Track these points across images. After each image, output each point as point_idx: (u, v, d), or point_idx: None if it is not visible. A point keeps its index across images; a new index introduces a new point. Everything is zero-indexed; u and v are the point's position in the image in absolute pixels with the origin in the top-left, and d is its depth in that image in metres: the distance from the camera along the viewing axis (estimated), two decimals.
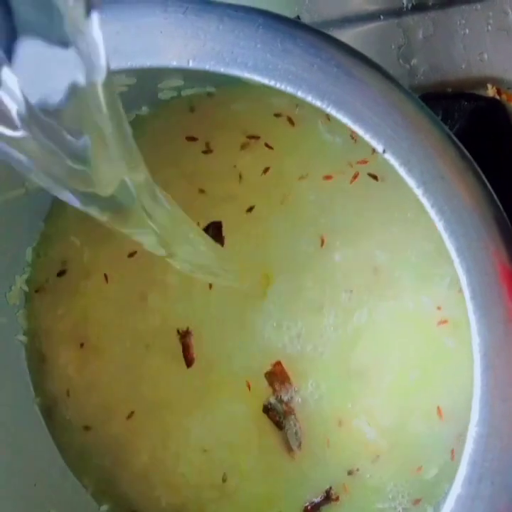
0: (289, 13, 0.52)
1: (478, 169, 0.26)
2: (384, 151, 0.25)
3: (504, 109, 0.49)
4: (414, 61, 0.50)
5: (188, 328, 0.39)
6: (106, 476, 0.41)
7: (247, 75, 0.26)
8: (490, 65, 0.49)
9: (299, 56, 0.26)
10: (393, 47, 0.51)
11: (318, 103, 0.26)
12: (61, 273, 0.42)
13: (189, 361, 0.39)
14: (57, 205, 0.41)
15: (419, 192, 0.25)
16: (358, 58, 0.26)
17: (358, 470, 0.37)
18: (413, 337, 0.35)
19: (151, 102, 0.40)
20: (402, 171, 0.25)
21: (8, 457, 0.38)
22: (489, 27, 0.49)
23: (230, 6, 0.26)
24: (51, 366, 0.42)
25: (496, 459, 0.25)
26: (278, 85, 0.26)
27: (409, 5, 0.50)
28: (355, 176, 0.35)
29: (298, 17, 0.52)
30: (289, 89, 0.26)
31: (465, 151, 0.26)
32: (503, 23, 0.48)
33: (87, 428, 0.41)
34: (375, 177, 0.35)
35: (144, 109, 0.40)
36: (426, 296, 0.34)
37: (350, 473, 0.37)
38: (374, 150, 0.25)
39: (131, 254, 0.41)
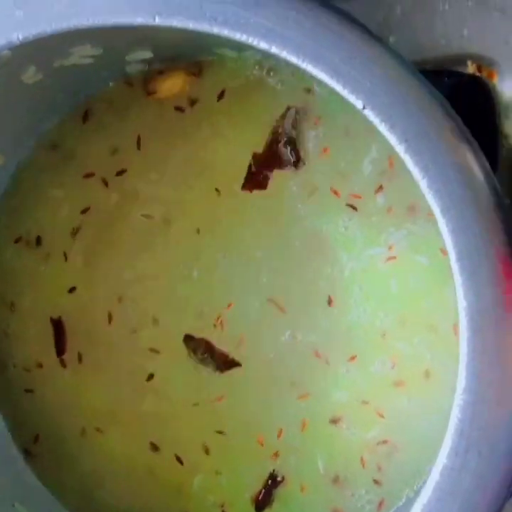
0: None
1: (464, 126, 0.25)
2: (364, 107, 0.24)
3: (485, 85, 0.48)
4: (392, 38, 0.49)
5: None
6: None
7: (216, 30, 0.25)
8: (470, 41, 0.48)
9: (272, 9, 0.25)
10: (371, 24, 0.49)
11: (293, 58, 0.25)
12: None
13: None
14: None
15: (400, 149, 0.24)
16: (335, 11, 0.25)
17: None
18: None
19: (118, 76, 0.39)
20: (383, 128, 0.24)
21: None
22: (470, 2, 0.48)
23: None
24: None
25: (483, 429, 0.24)
26: (250, 40, 0.25)
27: None
28: None
29: None
30: (262, 45, 0.25)
31: (450, 107, 0.25)
32: None
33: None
34: None
35: (112, 84, 0.39)
36: None
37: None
38: None
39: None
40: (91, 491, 0.41)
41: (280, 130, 0.36)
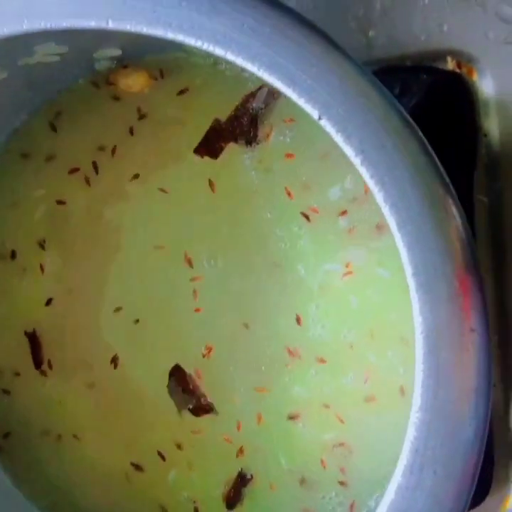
0: None
1: (423, 138, 0.25)
2: (320, 118, 0.23)
3: (464, 82, 0.47)
4: (371, 33, 0.49)
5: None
6: None
7: (171, 35, 0.24)
8: (450, 37, 0.47)
9: (227, 15, 0.24)
10: (350, 18, 0.49)
11: (249, 65, 0.24)
12: None
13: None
14: None
15: (357, 161, 0.23)
16: (293, 18, 0.24)
17: None
18: None
19: (87, 73, 0.38)
20: (339, 139, 0.23)
21: None
22: None
23: None
24: None
25: (438, 447, 0.23)
26: (205, 46, 0.24)
27: None
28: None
29: None
30: (218, 51, 0.24)
31: (409, 118, 0.24)
32: None
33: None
34: None
35: (81, 82, 0.38)
36: None
37: None
38: None
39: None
40: (64, 493, 0.40)
41: (248, 105, 0.36)
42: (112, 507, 0.40)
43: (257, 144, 0.36)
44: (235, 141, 0.36)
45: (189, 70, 0.38)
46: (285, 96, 0.35)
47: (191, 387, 0.38)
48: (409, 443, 0.23)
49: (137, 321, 0.39)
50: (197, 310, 0.38)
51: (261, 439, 0.38)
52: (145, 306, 0.39)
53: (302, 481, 0.37)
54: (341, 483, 0.37)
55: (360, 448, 0.36)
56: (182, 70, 0.38)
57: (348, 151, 0.23)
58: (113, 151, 0.38)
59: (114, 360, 0.39)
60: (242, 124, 0.35)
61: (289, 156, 0.35)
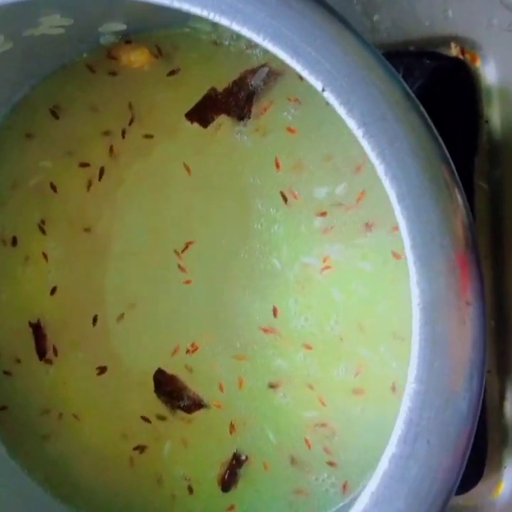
0: None
1: (424, 112, 0.25)
2: (323, 90, 0.23)
3: (467, 69, 0.47)
4: (376, 17, 0.49)
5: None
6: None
7: (177, 4, 0.24)
8: (454, 23, 0.47)
9: None
10: (356, 2, 0.49)
11: (253, 36, 0.24)
12: None
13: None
14: None
15: (359, 133, 0.23)
16: None
17: None
18: None
19: (91, 47, 0.38)
20: (342, 111, 0.23)
21: None
22: None
23: None
24: None
25: (432, 418, 0.24)
26: (211, 16, 0.24)
27: None
28: None
29: None
30: (223, 21, 0.24)
31: (410, 92, 0.24)
32: None
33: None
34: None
35: (86, 56, 0.38)
36: None
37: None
38: None
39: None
40: (60, 468, 0.41)
41: (247, 81, 0.36)
42: (108, 482, 0.40)
43: (249, 119, 0.36)
44: (228, 113, 0.36)
45: (192, 46, 0.38)
46: (288, 76, 0.36)
47: (178, 387, 0.38)
48: (404, 413, 0.24)
49: (133, 305, 0.39)
50: (188, 282, 0.38)
51: (245, 406, 0.38)
52: (140, 291, 0.39)
53: (293, 461, 0.38)
54: (330, 463, 0.37)
55: (343, 433, 0.37)
56: (184, 46, 0.38)
57: (351, 123, 0.23)
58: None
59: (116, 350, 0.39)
60: (238, 98, 0.35)
61: (290, 130, 0.36)
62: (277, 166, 0.37)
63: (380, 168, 0.23)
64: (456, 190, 0.24)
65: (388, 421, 0.35)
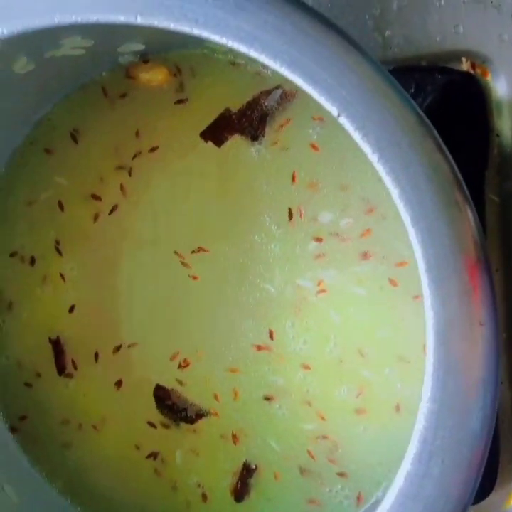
0: None
1: (437, 136, 0.25)
2: (339, 115, 0.24)
3: (478, 83, 0.48)
4: (388, 33, 0.49)
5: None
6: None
7: (196, 31, 0.25)
8: (465, 38, 0.48)
9: (252, 13, 0.25)
10: (368, 17, 0.50)
11: (271, 63, 0.25)
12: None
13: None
14: None
15: (374, 158, 0.24)
16: (314, 17, 0.25)
17: None
18: None
19: (111, 67, 0.39)
20: (357, 136, 0.24)
21: None
22: None
23: None
24: None
25: (447, 437, 0.24)
26: (230, 43, 0.25)
27: None
28: None
29: None
30: (241, 48, 0.25)
31: (424, 117, 0.25)
32: None
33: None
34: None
35: (105, 75, 0.39)
36: None
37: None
38: None
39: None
40: (79, 475, 0.41)
41: (261, 102, 0.36)
42: (125, 490, 0.41)
43: (263, 138, 0.37)
44: (242, 133, 0.37)
45: (208, 66, 0.38)
46: (304, 96, 0.37)
47: (177, 400, 0.39)
48: (419, 432, 0.24)
49: (144, 320, 0.40)
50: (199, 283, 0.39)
51: (242, 417, 0.39)
52: (152, 305, 0.40)
53: (302, 471, 0.38)
54: (341, 474, 0.38)
55: (347, 447, 0.37)
56: (201, 66, 0.38)
57: (366, 148, 0.24)
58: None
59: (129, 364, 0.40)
60: (251, 118, 0.36)
61: (314, 147, 0.36)
62: (293, 179, 0.37)
63: (394, 193, 0.24)
64: (469, 213, 0.24)
65: (393, 440, 0.36)
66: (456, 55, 0.48)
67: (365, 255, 0.36)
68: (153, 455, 0.40)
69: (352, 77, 0.24)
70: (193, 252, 0.39)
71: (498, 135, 0.47)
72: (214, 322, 0.39)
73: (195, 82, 0.38)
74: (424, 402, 0.24)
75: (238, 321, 0.38)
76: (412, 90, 0.47)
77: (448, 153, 0.25)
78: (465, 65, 0.48)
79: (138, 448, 0.40)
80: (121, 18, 0.26)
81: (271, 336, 0.38)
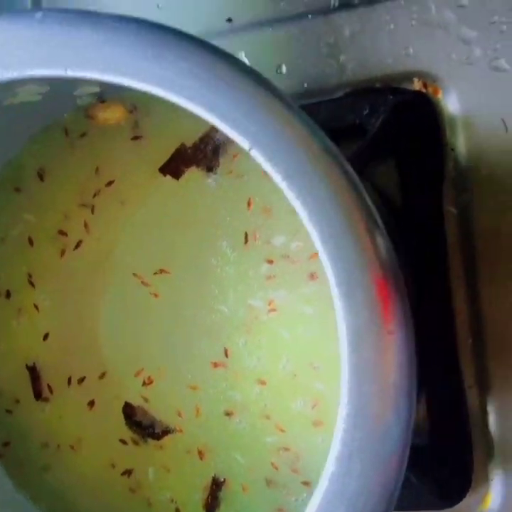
0: (220, 14, 0.53)
1: (344, 162, 0.27)
2: (250, 149, 0.26)
3: (430, 101, 0.50)
4: (342, 58, 0.52)
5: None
6: None
7: (120, 80, 0.28)
8: (415, 59, 0.50)
9: (172, 62, 0.27)
10: (322, 45, 0.52)
11: (189, 105, 0.27)
12: None
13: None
14: None
15: (283, 185, 0.26)
16: (227, 61, 0.27)
17: None
18: None
19: (71, 108, 0.41)
20: (267, 167, 0.26)
21: None
22: (413, 22, 0.50)
23: (104, 15, 0.28)
24: None
25: (363, 438, 0.26)
26: (150, 89, 0.27)
27: (336, 3, 0.52)
28: None
29: (230, 19, 0.53)
30: (161, 93, 0.27)
31: (331, 144, 0.27)
32: (427, 18, 0.50)
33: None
34: None
35: (66, 116, 0.42)
36: None
37: None
38: None
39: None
40: (61, 497, 0.44)
41: (212, 135, 0.39)
42: (104, 508, 0.43)
43: (218, 167, 0.39)
44: (197, 165, 0.39)
45: (159, 105, 0.41)
46: None
47: (143, 418, 0.42)
48: (339, 435, 0.26)
49: (110, 340, 0.43)
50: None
51: (205, 433, 0.41)
52: (117, 325, 0.43)
53: (268, 482, 0.40)
54: (305, 483, 0.39)
55: (308, 458, 0.39)
56: (155, 104, 0.41)
57: (276, 177, 0.26)
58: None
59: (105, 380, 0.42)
60: (205, 151, 0.39)
61: (265, 174, 0.38)
62: (249, 204, 0.40)
63: (303, 215, 0.26)
64: (377, 232, 0.26)
65: None
66: (408, 76, 0.50)
67: (312, 276, 0.38)
68: (128, 472, 0.42)
69: (261, 115, 0.26)
70: (155, 273, 0.41)
71: (452, 149, 0.49)
72: (173, 340, 0.41)
73: (149, 120, 0.41)
74: (342, 407, 0.26)
75: (195, 340, 0.40)
76: (367, 111, 0.50)
77: (354, 176, 0.27)
78: (417, 85, 0.50)
79: (113, 466, 0.42)
80: (53, 72, 0.28)
81: (226, 354, 0.40)
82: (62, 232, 0.42)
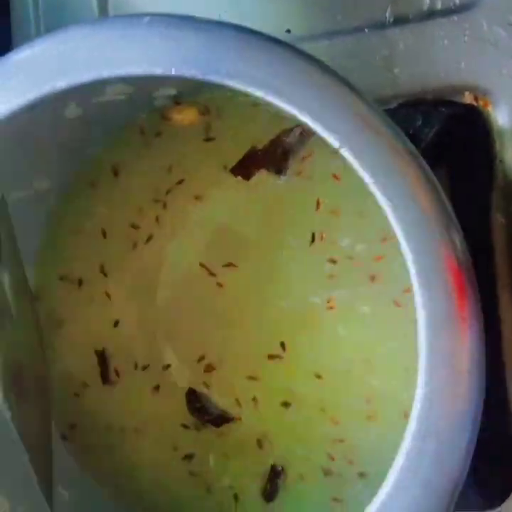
0: (280, 26, 0.55)
1: (424, 163, 0.30)
2: (340, 148, 0.29)
3: (480, 114, 0.52)
4: (396, 70, 0.53)
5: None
6: None
7: (220, 80, 0.30)
8: (467, 73, 0.52)
9: (267, 64, 0.30)
10: (377, 58, 0.54)
11: (286, 106, 0.30)
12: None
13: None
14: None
15: (370, 181, 0.29)
16: (314, 63, 0.30)
17: None
18: None
19: (147, 109, 0.44)
20: (356, 165, 0.29)
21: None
22: (466, 38, 0.52)
23: (205, 20, 0.30)
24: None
25: (439, 418, 0.28)
26: (250, 90, 0.30)
27: (391, 18, 0.54)
28: None
29: (288, 30, 0.56)
30: (258, 93, 0.30)
31: (413, 148, 0.29)
32: (479, 34, 0.52)
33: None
34: None
35: (142, 117, 0.44)
36: None
37: None
38: None
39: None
40: (126, 478, 0.46)
41: (283, 139, 0.41)
42: (166, 492, 0.45)
43: (287, 170, 0.41)
44: (267, 168, 0.41)
45: (233, 107, 0.43)
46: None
47: (205, 404, 0.43)
48: (416, 414, 0.28)
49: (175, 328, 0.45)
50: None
51: (263, 423, 0.43)
52: (184, 313, 0.45)
53: (326, 472, 0.42)
54: (361, 474, 0.41)
55: (364, 450, 0.41)
56: (227, 107, 0.43)
57: (364, 175, 0.29)
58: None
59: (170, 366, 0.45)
60: (275, 154, 0.41)
61: (335, 177, 0.40)
62: (317, 206, 0.41)
63: (389, 212, 0.28)
64: (452, 226, 0.29)
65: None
66: (460, 89, 0.51)
67: (373, 278, 0.40)
68: (189, 457, 0.44)
69: (350, 116, 0.29)
70: (223, 266, 0.43)
71: (500, 161, 0.50)
72: (234, 331, 0.43)
73: (221, 122, 0.43)
74: (419, 388, 0.28)
75: (255, 332, 0.42)
76: (420, 122, 0.52)
77: (434, 178, 0.29)
78: (468, 98, 0.52)
79: (175, 449, 0.44)
80: (158, 71, 0.31)
81: (283, 347, 0.42)
82: (134, 226, 0.44)
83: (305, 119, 0.29)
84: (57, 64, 0.33)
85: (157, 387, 0.44)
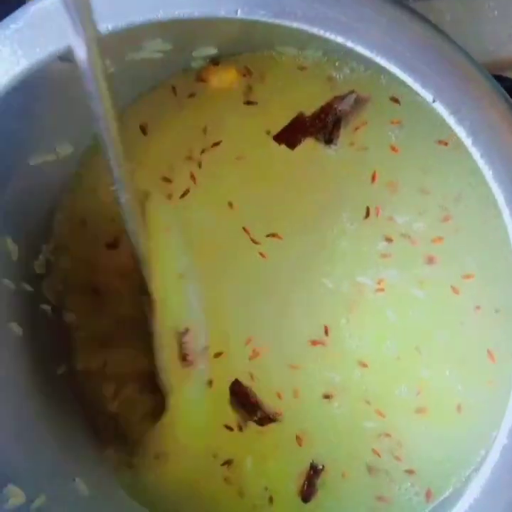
0: None
1: None
2: (434, 100, 0.25)
3: None
4: None
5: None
6: None
7: (295, 24, 0.26)
8: None
9: (348, 6, 0.26)
10: None
11: (367, 53, 0.26)
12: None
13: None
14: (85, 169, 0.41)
15: (468, 142, 0.25)
16: (406, 10, 0.26)
17: None
18: None
19: (183, 71, 0.40)
20: (451, 120, 0.25)
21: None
22: None
23: None
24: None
25: None
26: (327, 34, 0.26)
27: None
28: None
29: None
30: (339, 39, 0.26)
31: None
32: None
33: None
34: None
35: (176, 76, 0.41)
36: None
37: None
38: None
39: None
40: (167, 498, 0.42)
41: (335, 106, 0.38)
42: (199, 496, 0.41)
43: (338, 139, 0.38)
44: (316, 137, 0.38)
45: (277, 69, 0.40)
46: (377, 100, 0.37)
47: (251, 400, 0.40)
48: None
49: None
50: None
51: (304, 417, 0.39)
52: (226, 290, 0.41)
53: (370, 469, 0.39)
54: (409, 471, 0.38)
55: (411, 445, 0.38)
56: (271, 70, 0.40)
57: (460, 132, 0.25)
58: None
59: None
60: (326, 122, 0.37)
61: (393, 149, 0.37)
62: (373, 178, 0.38)
63: (488, 174, 0.25)
64: None
65: (458, 437, 0.36)
66: (510, 64, 0.48)
67: (430, 260, 0.36)
68: (228, 463, 0.40)
69: (446, 65, 0.25)
70: (267, 236, 0.40)
71: None
72: (278, 307, 0.40)
73: (264, 86, 0.39)
74: None
75: (296, 315, 0.39)
76: None
77: None
78: None
79: (215, 456, 0.40)
80: (222, 13, 0.27)
81: (326, 332, 0.38)
82: (166, 179, 0.40)
83: (392, 68, 0.26)
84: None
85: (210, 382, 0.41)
